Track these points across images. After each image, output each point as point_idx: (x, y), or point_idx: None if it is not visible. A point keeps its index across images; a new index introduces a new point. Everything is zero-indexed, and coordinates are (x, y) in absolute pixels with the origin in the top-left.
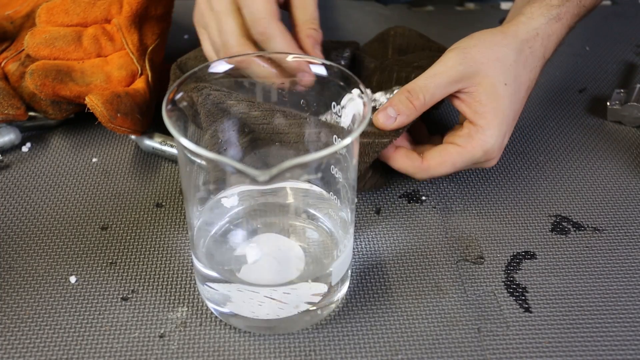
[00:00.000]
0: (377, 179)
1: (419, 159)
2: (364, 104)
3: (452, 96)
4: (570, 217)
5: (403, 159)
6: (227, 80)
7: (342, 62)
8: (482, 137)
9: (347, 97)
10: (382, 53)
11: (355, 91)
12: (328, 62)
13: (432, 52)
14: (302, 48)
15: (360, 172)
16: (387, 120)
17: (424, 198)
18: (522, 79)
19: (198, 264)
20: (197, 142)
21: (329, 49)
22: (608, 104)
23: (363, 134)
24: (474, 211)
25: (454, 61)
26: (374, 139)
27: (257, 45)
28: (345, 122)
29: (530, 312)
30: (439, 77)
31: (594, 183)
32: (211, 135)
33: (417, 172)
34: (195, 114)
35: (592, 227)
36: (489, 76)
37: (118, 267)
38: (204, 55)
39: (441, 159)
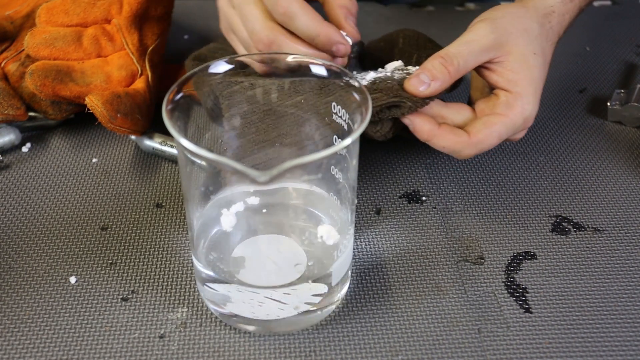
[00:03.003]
0: (390, 126)
1: (465, 133)
2: (366, 106)
3: (482, 67)
4: (570, 218)
5: (449, 135)
6: (227, 80)
7: (352, 56)
8: (521, 104)
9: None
10: (389, 53)
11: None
12: (328, 62)
13: None
14: (333, 20)
15: (375, 119)
16: (421, 85)
17: (424, 198)
18: (546, 50)
19: (198, 265)
20: (197, 142)
21: None
22: (608, 104)
23: (388, 90)
24: (474, 211)
25: (485, 30)
26: (402, 100)
27: (284, 27)
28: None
29: (531, 312)
30: (472, 44)
31: (594, 183)
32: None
33: (465, 148)
34: (214, 103)
35: (592, 227)
36: (519, 45)
37: (118, 268)
38: (219, 47)
39: (488, 130)
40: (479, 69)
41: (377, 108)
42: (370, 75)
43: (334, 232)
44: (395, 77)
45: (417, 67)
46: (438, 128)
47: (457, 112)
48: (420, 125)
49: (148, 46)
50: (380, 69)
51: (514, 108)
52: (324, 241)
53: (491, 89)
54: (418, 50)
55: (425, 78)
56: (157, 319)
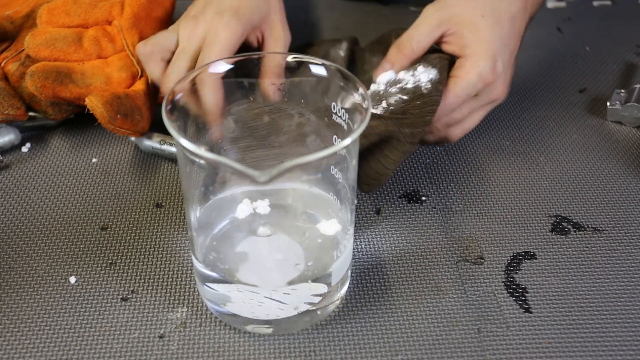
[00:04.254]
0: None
1: None
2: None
3: (441, 43)
4: (570, 218)
5: None
6: (226, 80)
7: (341, 53)
8: (470, 63)
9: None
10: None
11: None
12: (328, 63)
13: (440, 54)
14: (263, 90)
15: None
16: (383, 72)
17: (424, 198)
18: (501, 10)
19: (198, 264)
20: (197, 142)
21: (327, 47)
22: (608, 104)
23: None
24: (474, 211)
25: (430, 11)
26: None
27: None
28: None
29: (530, 312)
30: (420, 26)
31: (594, 183)
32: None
33: (436, 122)
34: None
35: (592, 227)
36: (466, 13)
37: (118, 268)
38: None
39: (446, 94)
40: (441, 45)
41: (373, 138)
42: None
43: (335, 223)
44: (392, 99)
45: (410, 74)
46: None
47: None
48: None
49: None
50: (372, 84)
51: (464, 67)
52: (323, 233)
53: None
54: None
55: (387, 65)
56: (157, 319)
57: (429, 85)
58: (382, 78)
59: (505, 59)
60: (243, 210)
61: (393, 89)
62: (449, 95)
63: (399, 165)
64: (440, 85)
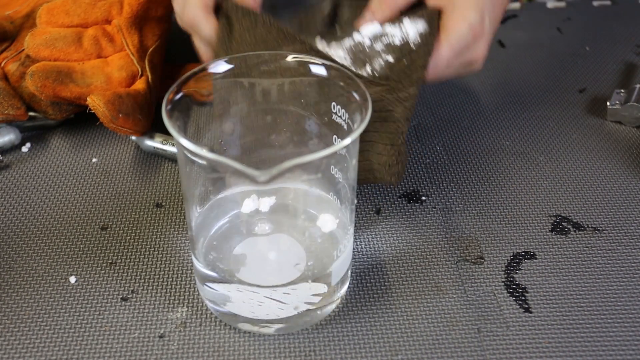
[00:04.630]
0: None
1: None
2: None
3: None
4: (570, 217)
5: None
6: (226, 80)
7: (325, 11)
8: (459, 12)
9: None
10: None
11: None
12: (328, 63)
13: (426, 9)
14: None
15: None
16: (366, 22)
17: (424, 198)
18: None
19: (198, 264)
20: (197, 142)
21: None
22: (608, 104)
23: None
24: (474, 211)
25: None
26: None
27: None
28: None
29: (530, 312)
30: None
31: (594, 183)
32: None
33: (431, 74)
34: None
35: (592, 227)
36: None
37: (118, 267)
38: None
39: (438, 48)
40: (426, 1)
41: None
42: (347, 43)
43: (331, 219)
44: (377, 62)
45: (397, 27)
46: None
47: None
48: None
49: (148, 47)
50: (355, 33)
51: (453, 18)
52: (319, 226)
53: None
54: None
55: (368, 15)
56: (157, 319)
57: (418, 40)
58: (366, 30)
59: (491, 18)
60: (249, 205)
61: (379, 46)
62: (442, 48)
63: (406, 130)
64: (430, 37)
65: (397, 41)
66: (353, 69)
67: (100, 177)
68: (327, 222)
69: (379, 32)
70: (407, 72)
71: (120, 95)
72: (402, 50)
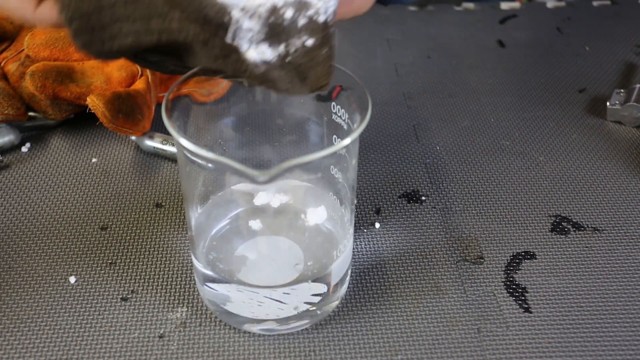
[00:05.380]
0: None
1: None
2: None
3: None
4: (570, 217)
5: None
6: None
7: None
8: None
9: None
10: None
11: None
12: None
13: None
14: None
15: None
16: None
17: (423, 198)
18: None
19: (198, 264)
20: (197, 142)
21: None
22: (608, 104)
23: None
24: (474, 211)
25: None
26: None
27: None
28: None
29: (530, 312)
30: None
31: (594, 183)
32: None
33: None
34: None
35: (592, 227)
36: None
37: (118, 268)
38: None
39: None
40: None
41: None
42: (261, 7)
43: (322, 211)
44: (294, 44)
45: None
46: None
47: None
48: None
49: None
50: None
51: None
52: (308, 220)
53: None
54: None
55: None
56: (157, 319)
57: (332, 17)
58: None
59: None
60: (261, 197)
61: (302, 21)
62: None
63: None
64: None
65: (321, 18)
66: (265, 46)
67: (100, 177)
68: (317, 214)
69: None
70: (323, 64)
71: (120, 95)
72: (324, 34)
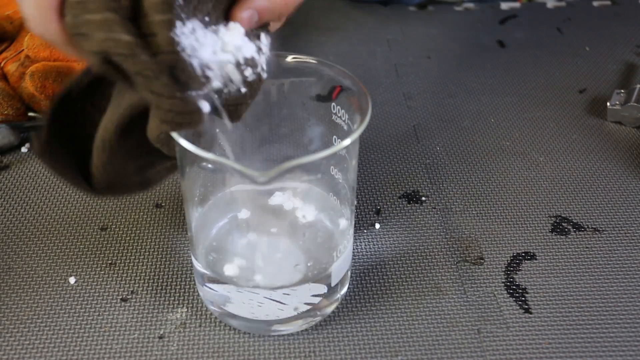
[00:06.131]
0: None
1: None
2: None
3: None
4: (570, 218)
5: None
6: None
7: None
8: None
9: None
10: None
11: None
12: (329, 62)
13: None
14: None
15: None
16: (244, 10)
17: (423, 198)
18: None
19: (197, 265)
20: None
21: None
22: (608, 104)
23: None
24: (474, 211)
25: None
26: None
27: None
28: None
29: (530, 313)
30: None
31: (594, 183)
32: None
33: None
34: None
35: (592, 227)
36: None
37: (117, 268)
38: None
39: None
40: None
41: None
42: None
43: (311, 209)
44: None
45: (256, 49)
46: None
47: None
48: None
49: None
50: (224, 28)
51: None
52: (300, 218)
53: None
54: None
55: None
56: (157, 319)
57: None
58: (233, 37)
59: None
60: (261, 197)
61: (248, 74)
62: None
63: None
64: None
65: (260, 69)
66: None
67: None
68: (316, 215)
69: (249, 48)
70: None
71: None
72: (256, 84)
